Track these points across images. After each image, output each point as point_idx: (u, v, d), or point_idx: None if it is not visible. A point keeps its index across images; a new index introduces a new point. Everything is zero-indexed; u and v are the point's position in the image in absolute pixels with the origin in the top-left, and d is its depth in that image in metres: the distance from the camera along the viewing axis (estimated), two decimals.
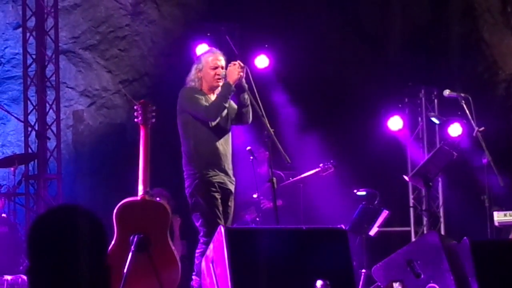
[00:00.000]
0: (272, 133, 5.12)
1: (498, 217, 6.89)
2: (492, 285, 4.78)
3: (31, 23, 7.95)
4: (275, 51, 8.44)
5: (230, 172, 5.22)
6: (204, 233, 5.04)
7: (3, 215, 6.91)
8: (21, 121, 7.90)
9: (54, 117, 7.92)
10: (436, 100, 9.23)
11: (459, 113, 6.61)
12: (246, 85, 5.16)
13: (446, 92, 6.20)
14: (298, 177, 7.10)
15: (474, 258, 4.73)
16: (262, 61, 8.35)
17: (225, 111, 5.19)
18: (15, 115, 7.89)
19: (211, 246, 4.55)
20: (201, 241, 5.06)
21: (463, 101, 5.98)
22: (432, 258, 4.86)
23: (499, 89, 9.87)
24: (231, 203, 5.22)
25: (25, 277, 6.23)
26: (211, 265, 4.47)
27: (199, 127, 5.15)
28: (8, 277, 6.23)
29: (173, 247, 4.70)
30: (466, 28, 9.63)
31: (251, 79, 5.16)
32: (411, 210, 9.23)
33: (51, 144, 7.89)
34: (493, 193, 6.70)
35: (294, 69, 8.53)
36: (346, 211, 7.11)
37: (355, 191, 7.33)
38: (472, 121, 5.93)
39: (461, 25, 9.57)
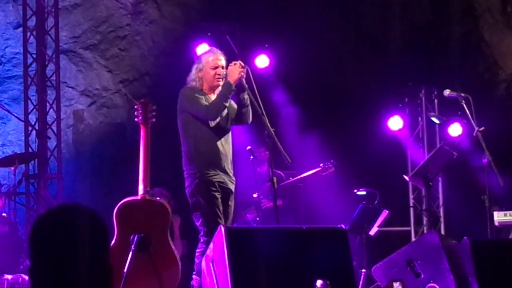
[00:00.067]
0: (273, 132, 5.13)
1: (498, 217, 6.89)
2: (492, 285, 4.78)
3: (32, 22, 7.95)
4: (276, 51, 8.44)
5: (231, 172, 5.22)
6: (204, 232, 5.05)
7: (4, 214, 6.91)
8: (21, 120, 7.90)
9: (55, 117, 7.92)
10: (436, 100, 9.24)
11: (459, 113, 6.61)
12: (246, 85, 5.16)
13: (446, 92, 6.20)
14: (298, 176, 7.10)
15: (474, 258, 4.73)
16: (262, 61, 8.36)
17: (225, 110, 5.20)
18: (15, 115, 7.90)
19: (211, 245, 4.55)
20: (201, 240, 5.06)
21: (463, 101, 5.98)
22: (432, 258, 4.86)
23: (499, 89, 9.87)
24: (232, 203, 5.22)
25: (25, 277, 6.23)
26: (211, 264, 4.47)
27: (199, 126, 5.15)
28: (9, 277, 6.23)
29: (173, 247, 4.71)
30: (466, 28, 9.63)
31: (251, 79, 5.16)
32: (411, 210, 9.23)
33: (52, 143, 7.90)
34: (493, 193, 6.70)
35: (294, 69, 8.53)
36: (346, 211, 7.11)
37: (355, 190, 7.33)
38: (472, 121, 5.93)
39: (461, 25, 9.57)
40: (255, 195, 6.84)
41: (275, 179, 5.23)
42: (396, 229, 8.73)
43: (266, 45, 8.45)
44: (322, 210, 7.62)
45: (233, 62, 5.20)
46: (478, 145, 6.07)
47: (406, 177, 6.87)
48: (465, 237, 4.85)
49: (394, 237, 8.56)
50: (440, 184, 9.22)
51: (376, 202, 7.04)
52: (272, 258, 4.37)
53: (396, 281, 4.91)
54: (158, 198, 5.26)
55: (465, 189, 8.49)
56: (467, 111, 5.93)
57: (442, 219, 9.18)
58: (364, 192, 7.26)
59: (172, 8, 8.93)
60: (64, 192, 7.82)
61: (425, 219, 8.97)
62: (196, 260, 5.02)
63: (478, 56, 9.69)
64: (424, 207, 8.90)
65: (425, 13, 9.63)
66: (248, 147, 6.09)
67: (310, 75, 8.89)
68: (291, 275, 4.41)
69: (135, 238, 4.50)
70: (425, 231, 8.62)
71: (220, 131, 5.20)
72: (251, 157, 6.02)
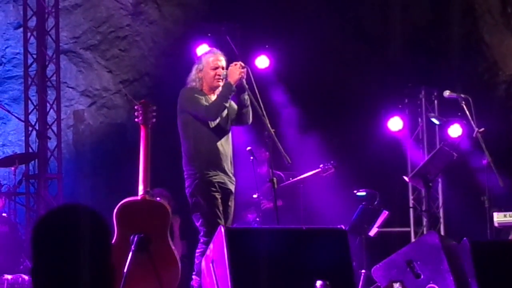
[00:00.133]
0: (273, 133, 5.14)
1: (498, 218, 6.90)
2: (491, 286, 4.78)
3: (32, 23, 7.96)
4: (276, 51, 8.45)
5: (231, 172, 5.23)
6: (204, 233, 5.05)
7: (4, 214, 6.92)
8: (21, 120, 7.91)
9: (55, 117, 7.93)
10: (436, 101, 9.24)
11: (459, 114, 6.61)
12: (247, 86, 5.17)
13: (446, 93, 6.20)
14: (298, 177, 7.10)
15: (474, 258, 4.73)
16: (262, 62, 8.36)
17: (225, 111, 5.20)
18: (15, 115, 7.91)
19: (211, 246, 4.56)
20: (201, 241, 5.07)
21: (463, 102, 5.99)
22: (432, 259, 4.86)
23: (499, 90, 9.88)
24: (231, 203, 5.22)
25: (25, 277, 6.23)
26: (211, 265, 4.47)
27: (199, 127, 5.16)
28: (9, 277, 6.23)
29: (173, 247, 4.71)
30: (467, 29, 9.64)
31: (252, 79, 5.17)
32: (411, 210, 9.24)
33: (52, 143, 7.90)
34: (493, 194, 6.70)
35: (295, 70, 8.54)
36: (346, 212, 7.11)
37: (355, 191, 7.33)
38: (472, 122, 5.94)
39: (461, 26, 9.58)
40: (255, 196, 6.85)
41: (275, 179, 5.23)
42: (395, 229, 8.73)
43: (266, 46, 8.45)
44: (322, 210, 7.62)
45: (234, 63, 5.21)
46: (478, 146, 6.08)
47: (406, 178, 6.88)
48: (464, 238, 4.86)
49: (393, 238, 8.56)
50: (440, 185, 9.22)
51: (376, 202, 7.04)
52: (272, 259, 4.37)
53: (396, 282, 4.91)
54: (158, 199, 5.27)
55: (465, 190, 8.49)
56: (467, 112, 5.94)
57: (441, 220, 9.18)
58: (364, 193, 7.26)
59: (173, 8, 8.93)
60: (64, 192, 7.83)
61: (424, 220, 8.97)
62: (196, 261, 5.03)
63: (478, 57, 9.70)
64: (423, 208, 8.91)
65: (425, 13, 9.64)
66: (248, 148, 6.10)
67: (310, 76, 8.89)
68: (291, 275, 4.41)
69: (135, 238, 4.50)
70: (424, 232, 8.62)
71: (220, 132, 5.20)
72: (251, 157, 6.02)
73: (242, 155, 6.10)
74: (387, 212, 6.89)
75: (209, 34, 8.25)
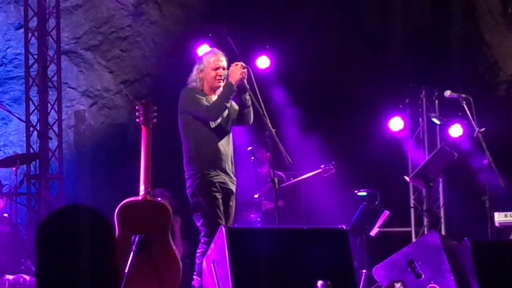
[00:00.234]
0: (274, 133, 5.14)
1: (499, 217, 6.89)
2: (492, 286, 4.79)
3: (33, 23, 7.97)
4: (276, 52, 8.45)
5: (232, 172, 5.23)
6: (205, 233, 5.06)
7: (5, 215, 6.92)
8: (23, 121, 7.92)
9: (56, 117, 7.94)
10: (437, 101, 9.24)
11: (460, 114, 6.61)
12: (248, 86, 5.18)
13: (447, 93, 6.20)
14: (299, 178, 7.10)
15: (475, 258, 4.74)
16: (263, 62, 8.36)
17: (226, 111, 5.21)
18: (17, 115, 7.91)
19: (212, 246, 4.56)
20: (202, 241, 5.07)
21: (464, 102, 5.99)
22: (433, 259, 4.87)
23: (499, 90, 9.88)
24: (232, 203, 5.23)
25: (26, 277, 6.24)
26: (212, 265, 4.48)
27: (200, 127, 5.16)
28: (10, 277, 6.23)
29: (174, 247, 4.72)
30: (467, 29, 9.64)
31: (253, 79, 5.18)
32: (412, 210, 9.24)
33: (53, 144, 7.91)
34: (494, 194, 6.70)
35: (295, 70, 8.54)
36: (346, 212, 7.11)
37: (355, 191, 7.33)
38: (473, 122, 5.94)
39: (462, 26, 9.58)
40: (256, 196, 6.85)
41: (276, 180, 5.24)
42: (396, 229, 8.74)
43: (267, 46, 8.45)
44: (323, 210, 7.62)
45: (235, 63, 5.21)
46: (478, 146, 6.08)
47: (406, 178, 6.88)
48: (465, 238, 4.86)
49: (394, 238, 8.56)
50: (440, 184, 9.23)
51: (376, 202, 7.04)
52: (273, 259, 4.38)
53: (397, 282, 4.91)
54: (159, 199, 5.27)
55: (465, 190, 8.50)
56: (468, 112, 5.94)
57: (442, 220, 9.18)
58: (364, 193, 7.26)
59: (173, 9, 8.94)
60: (65, 193, 7.84)
61: (425, 220, 8.97)
62: (197, 261, 5.03)
63: (479, 57, 9.70)
64: (424, 208, 8.91)
65: (426, 14, 9.64)
66: (249, 148, 6.10)
67: (310, 76, 8.90)
68: (291, 275, 4.42)
69: (136, 239, 4.51)
70: (425, 232, 8.63)
71: (221, 132, 5.21)
72: (252, 158, 6.02)
73: (243, 155, 6.11)
74: (388, 212, 6.89)
75: (210, 35, 8.26)
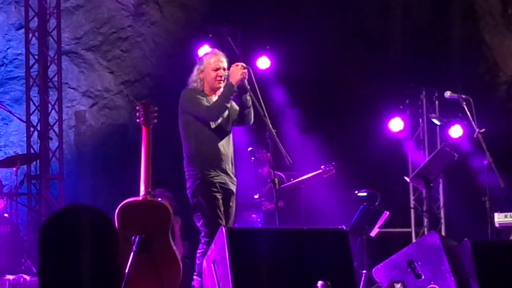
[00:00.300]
0: (275, 133, 5.15)
1: (499, 218, 6.90)
2: (492, 286, 4.79)
3: (34, 23, 7.98)
4: (277, 52, 8.46)
5: (232, 173, 5.24)
6: (205, 233, 5.06)
7: (5, 215, 6.92)
8: (23, 121, 7.93)
9: (56, 118, 7.95)
10: (437, 102, 9.25)
11: (460, 114, 6.62)
12: (248, 86, 5.18)
13: (447, 94, 6.21)
14: (299, 178, 7.11)
15: (475, 259, 4.74)
16: (263, 62, 8.37)
17: (226, 112, 5.21)
18: (17, 116, 7.92)
19: (212, 246, 4.56)
20: (203, 241, 5.08)
21: (464, 103, 6.00)
22: (433, 259, 4.87)
23: (500, 90, 9.89)
24: (233, 204, 5.23)
25: (27, 277, 6.25)
26: (212, 265, 4.48)
27: (201, 127, 5.17)
28: (10, 277, 6.24)
29: (174, 247, 4.72)
30: (467, 30, 9.65)
31: (253, 80, 5.18)
32: (412, 211, 9.24)
33: (53, 144, 7.92)
34: (494, 195, 6.71)
35: (296, 70, 8.55)
36: (347, 212, 7.12)
37: (356, 192, 7.34)
38: (473, 123, 5.95)
39: (462, 27, 9.59)
40: (256, 196, 6.86)
41: (276, 180, 5.24)
42: (396, 230, 8.74)
43: (267, 47, 8.46)
44: (323, 211, 7.63)
45: (235, 63, 5.22)
46: (478, 146, 6.09)
47: (407, 179, 6.88)
48: (465, 239, 4.86)
49: (394, 238, 8.57)
50: (440, 185, 9.23)
51: (376, 203, 7.05)
52: (273, 259, 4.38)
53: (397, 282, 4.92)
54: (159, 199, 5.28)
55: (465, 191, 8.50)
56: (468, 112, 5.95)
57: (442, 221, 9.19)
58: (364, 193, 7.27)
59: (174, 9, 8.95)
60: (65, 193, 7.85)
61: (425, 220, 8.98)
62: (197, 261, 5.04)
63: (479, 57, 9.71)
64: (424, 208, 8.91)
65: (426, 14, 9.65)
66: (250, 149, 6.11)
67: (311, 77, 8.91)
68: (292, 275, 4.42)
69: (137, 239, 4.51)
70: (425, 232, 8.63)
71: (221, 132, 5.21)
72: (252, 158, 6.03)
73: (244, 155, 6.11)
74: (388, 213, 6.89)
75: (210, 35, 8.26)
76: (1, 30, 8.42)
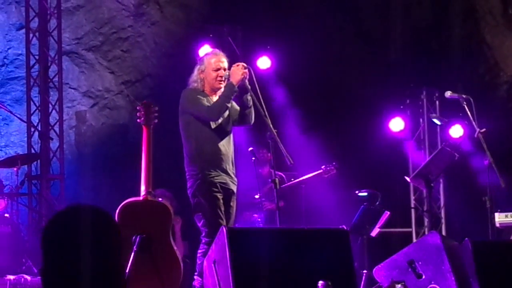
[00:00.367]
0: (275, 133, 5.15)
1: (499, 218, 6.90)
2: (493, 286, 4.79)
3: (34, 24, 7.98)
4: (277, 52, 8.46)
5: (232, 173, 5.24)
6: (206, 233, 5.06)
7: (6, 215, 6.93)
8: (24, 121, 7.93)
9: (57, 118, 7.95)
10: (437, 102, 9.25)
11: (460, 114, 6.62)
12: (249, 86, 5.19)
13: (448, 94, 6.21)
14: (300, 178, 7.11)
15: (475, 259, 4.74)
16: (264, 62, 8.38)
17: (227, 112, 5.22)
18: (18, 116, 7.92)
19: (213, 246, 4.57)
20: (203, 241, 5.08)
21: (464, 103, 6.00)
22: (434, 259, 4.87)
23: (500, 90, 9.89)
24: (233, 204, 5.24)
25: (27, 277, 6.25)
26: (213, 265, 4.48)
27: (201, 127, 5.17)
28: (11, 277, 6.24)
29: (175, 247, 4.73)
30: (468, 30, 9.65)
31: (254, 80, 5.19)
32: (413, 211, 9.25)
33: (54, 144, 7.93)
34: (494, 194, 6.71)
35: (296, 70, 8.55)
36: (347, 212, 7.12)
37: (356, 192, 7.34)
38: (474, 123, 5.95)
39: (462, 27, 9.59)
40: (256, 196, 6.86)
41: (277, 180, 5.24)
42: (397, 230, 8.75)
43: (268, 47, 8.47)
44: (324, 211, 7.63)
45: (236, 64, 5.22)
46: (479, 146, 6.09)
47: (407, 178, 6.89)
48: (466, 238, 4.86)
49: (395, 238, 8.57)
50: (441, 185, 9.23)
51: (377, 203, 7.05)
52: (273, 259, 4.38)
53: (398, 282, 4.92)
54: (160, 199, 5.28)
55: (466, 190, 8.50)
56: (468, 112, 5.95)
57: (443, 220, 9.19)
58: (365, 193, 7.27)
59: (174, 9, 8.95)
60: (66, 193, 7.85)
61: (426, 220, 8.98)
62: (198, 261, 5.04)
63: (479, 57, 9.71)
64: (425, 208, 8.91)
65: (427, 15, 9.65)
66: (250, 148, 6.11)
67: (311, 77, 8.91)
68: (292, 276, 4.42)
69: (137, 239, 4.52)
70: (426, 232, 8.63)
71: (222, 132, 5.22)
72: (253, 158, 6.03)
73: (244, 155, 6.12)
74: (388, 213, 6.89)
75: (210, 35, 8.27)
76: (2, 30, 8.42)
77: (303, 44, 8.80)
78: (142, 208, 4.68)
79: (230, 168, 5.22)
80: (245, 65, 5.20)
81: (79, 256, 1.65)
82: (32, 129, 7.90)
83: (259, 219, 7.14)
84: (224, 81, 5.22)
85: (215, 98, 5.23)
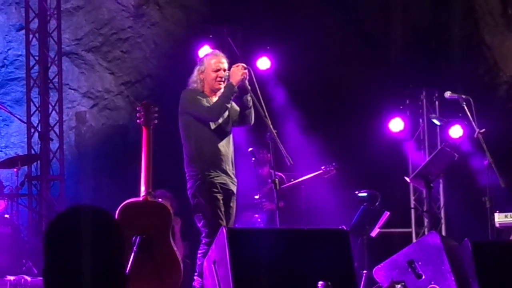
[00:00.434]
0: (275, 134, 5.16)
1: (499, 218, 6.90)
2: (493, 286, 4.79)
3: (34, 25, 7.99)
4: (277, 53, 8.47)
5: (232, 173, 5.24)
6: (206, 234, 5.07)
7: (6, 216, 6.93)
8: (24, 122, 7.93)
9: (57, 119, 7.96)
10: (437, 102, 9.25)
11: (460, 114, 6.63)
12: (249, 87, 5.19)
13: (447, 94, 6.22)
14: (300, 179, 7.12)
15: (475, 259, 4.75)
16: (264, 63, 8.38)
17: (227, 112, 5.22)
18: (18, 117, 7.93)
19: (213, 247, 4.57)
20: (203, 241, 5.08)
21: (464, 103, 6.00)
22: (433, 259, 4.88)
23: (500, 90, 9.90)
24: (233, 204, 5.24)
25: (27, 278, 6.25)
26: (213, 265, 4.49)
27: (201, 128, 5.18)
28: (11, 278, 6.24)
29: (175, 248, 4.73)
30: (467, 30, 9.66)
31: (254, 80, 5.19)
32: (412, 211, 9.25)
33: (54, 145, 7.93)
34: (494, 195, 6.71)
35: (296, 71, 8.56)
36: (347, 212, 7.12)
37: (356, 192, 7.34)
38: (473, 123, 5.95)
39: (462, 27, 9.59)
40: (256, 197, 6.86)
41: (277, 180, 5.25)
42: (397, 230, 8.75)
43: (268, 47, 8.47)
44: (323, 211, 7.64)
45: (236, 64, 5.23)
46: (479, 146, 6.09)
47: (407, 179, 6.89)
48: (466, 239, 4.87)
49: (395, 239, 8.58)
50: (441, 185, 9.24)
51: (377, 203, 7.05)
52: (273, 259, 4.39)
53: (398, 282, 4.92)
54: (160, 200, 5.28)
55: (466, 191, 8.51)
56: (468, 112, 5.95)
57: (443, 221, 9.19)
58: (365, 194, 7.27)
59: (174, 10, 8.95)
60: (66, 194, 7.86)
61: (426, 221, 8.98)
62: (198, 262, 5.04)
63: (479, 58, 9.72)
64: (425, 209, 8.91)
65: (426, 15, 9.66)
66: (250, 149, 6.12)
67: (311, 77, 8.91)
68: (292, 276, 4.43)
69: (137, 239, 4.52)
70: (426, 232, 8.63)
71: (222, 133, 5.22)
72: (253, 158, 6.04)
73: (244, 156, 6.12)
74: (388, 213, 6.89)
75: (210, 36, 8.27)
76: (2, 31, 8.43)
77: (303, 45, 8.80)
78: (142, 208, 4.68)
79: (230, 169, 5.22)
80: (245, 65, 5.20)
81: (81, 256, 1.66)
82: (32, 130, 7.90)
83: (259, 220, 7.14)
84: (224, 81, 5.22)
85: (214, 98, 5.23)
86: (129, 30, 8.76)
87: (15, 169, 7.13)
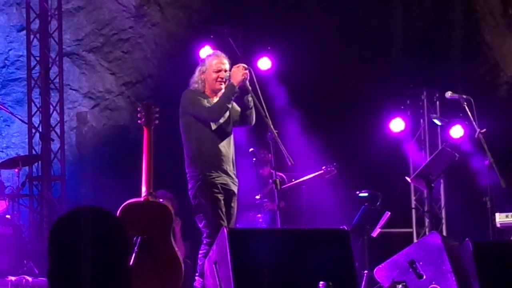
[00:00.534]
0: (276, 134, 5.16)
1: (500, 218, 6.90)
2: (493, 286, 4.80)
3: (35, 25, 8.00)
4: (278, 53, 8.47)
5: (233, 174, 5.25)
6: (207, 234, 5.07)
7: (7, 216, 6.94)
8: (25, 122, 7.94)
9: (58, 119, 7.96)
10: (438, 102, 9.25)
11: (461, 114, 6.63)
12: (250, 87, 5.20)
13: (448, 94, 6.22)
14: (301, 179, 7.12)
15: (476, 259, 4.75)
16: (264, 63, 8.39)
17: (227, 113, 5.23)
18: (19, 117, 7.93)
19: (214, 247, 4.57)
20: (204, 242, 5.09)
21: (465, 103, 6.00)
22: (434, 259, 4.88)
23: (500, 91, 9.90)
24: (234, 204, 5.25)
25: (29, 278, 6.25)
26: (214, 266, 4.49)
27: (202, 128, 5.18)
28: (12, 278, 6.25)
29: (176, 248, 4.73)
30: (468, 30, 9.66)
31: (255, 81, 5.20)
32: (413, 211, 9.25)
33: (55, 145, 7.94)
34: (495, 195, 6.71)
35: (296, 71, 8.56)
36: (348, 213, 7.13)
37: (357, 192, 7.35)
38: (474, 123, 5.96)
39: (463, 27, 9.59)
40: (257, 197, 6.87)
41: (277, 181, 5.25)
42: (398, 230, 8.75)
43: (268, 48, 8.48)
44: (324, 211, 7.64)
45: (237, 64, 5.23)
46: (479, 146, 6.09)
47: (408, 179, 6.89)
48: (467, 239, 4.87)
49: (396, 239, 8.58)
50: (441, 185, 9.24)
51: (378, 203, 7.06)
52: (274, 260, 4.39)
53: (398, 282, 4.92)
54: (161, 200, 5.29)
55: (466, 191, 8.51)
56: (469, 113, 5.96)
57: (444, 221, 9.19)
58: (366, 194, 7.28)
59: (175, 11, 8.96)
60: (67, 194, 7.86)
61: (427, 221, 8.98)
62: (199, 262, 5.05)
63: (480, 58, 9.72)
64: (426, 209, 8.92)
65: (427, 15, 9.66)
66: (251, 149, 6.12)
67: (312, 77, 8.92)
68: (293, 276, 4.43)
69: (138, 240, 4.53)
70: (427, 233, 8.63)
71: (222, 133, 5.23)
72: (254, 159, 6.04)
73: (245, 156, 6.12)
74: (389, 213, 6.90)
75: (211, 36, 8.28)
76: (3, 31, 8.44)
77: (304, 45, 8.80)
78: (143, 209, 4.69)
79: (231, 169, 5.23)
80: (245, 66, 5.21)
81: (85, 257, 1.66)
82: (33, 131, 7.91)
83: (261, 220, 7.14)
84: (224, 82, 5.23)
85: (215, 99, 5.24)
86: (130, 31, 8.77)
87: (16, 170, 7.14)
